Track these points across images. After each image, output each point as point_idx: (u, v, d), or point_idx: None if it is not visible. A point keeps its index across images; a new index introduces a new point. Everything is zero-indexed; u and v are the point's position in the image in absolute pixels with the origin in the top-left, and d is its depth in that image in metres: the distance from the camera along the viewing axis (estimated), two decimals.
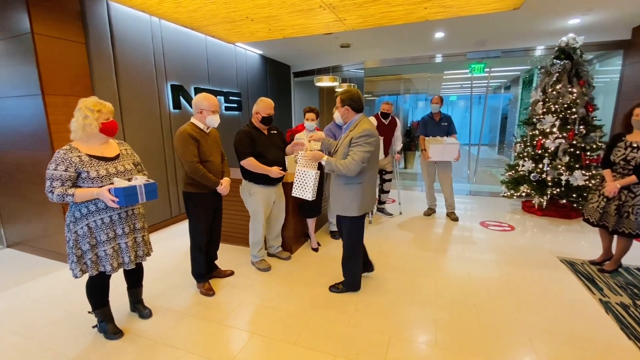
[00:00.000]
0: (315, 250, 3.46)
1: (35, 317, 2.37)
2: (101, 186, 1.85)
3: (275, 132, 2.97)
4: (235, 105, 5.60)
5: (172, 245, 3.64)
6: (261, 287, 2.76)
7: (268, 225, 3.16)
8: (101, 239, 1.91)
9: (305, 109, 3.34)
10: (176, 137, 2.37)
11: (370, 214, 4.38)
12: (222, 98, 5.26)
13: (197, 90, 4.72)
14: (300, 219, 3.54)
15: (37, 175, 3.18)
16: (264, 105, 2.75)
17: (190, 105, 4.64)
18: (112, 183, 1.88)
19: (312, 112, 3.33)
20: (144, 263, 2.22)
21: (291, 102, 7.80)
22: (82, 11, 3.20)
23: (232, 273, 2.98)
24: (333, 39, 5.23)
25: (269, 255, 3.33)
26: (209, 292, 2.63)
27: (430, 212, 4.67)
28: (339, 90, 5.85)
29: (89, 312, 2.16)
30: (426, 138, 4.29)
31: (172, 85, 4.28)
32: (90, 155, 1.86)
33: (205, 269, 2.69)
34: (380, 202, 4.64)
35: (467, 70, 5.95)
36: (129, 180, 1.96)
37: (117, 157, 1.98)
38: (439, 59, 6.11)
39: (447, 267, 3.11)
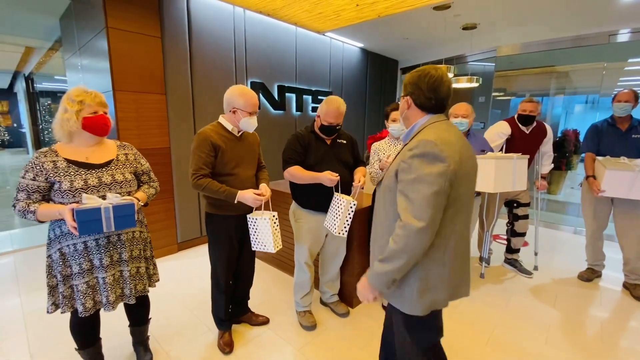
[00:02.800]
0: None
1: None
2: (73, 202, 1.38)
3: (345, 141, 2.11)
4: None
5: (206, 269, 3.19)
6: (295, 355, 1.94)
7: (321, 263, 2.32)
8: (74, 270, 1.44)
9: (389, 108, 2.33)
10: (193, 140, 1.78)
11: (484, 262, 3.00)
12: (309, 98, 4.68)
13: (281, 89, 4.25)
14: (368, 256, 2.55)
15: None
16: (327, 109, 1.93)
17: (273, 105, 4.20)
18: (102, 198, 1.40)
19: (398, 110, 2.29)
20: (152, 294, 1.74)
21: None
22: (160, 4, 3.05)
23: (266, 321, 2.25)
24: (451, 17, 3.95)
25: (322, 303, 2.48)
26: (225, 348, 1.97)
27: (591, 275, 2.92)
28: (456, 85, 4.49)
29: (76, 350, 1.76)
30: (598, 158, 2.62)
31: (252, 83, 3.90)
32: (69, 161, 1.42)
33: (228, 313, 2.05)
34: (512, 250, 3.08)
35: None
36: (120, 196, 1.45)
37: (107, 163, 1.50)
38: (623, 36, 4.01)
39: None
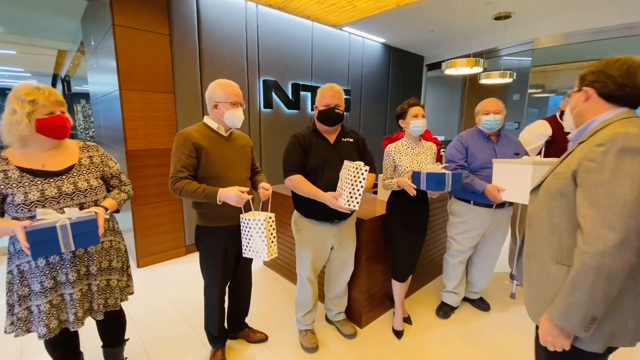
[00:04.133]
0: (398, 334, 2.13)
1: None
2: (29, 217, 1.23)
3: (351, 139, 1.87)
4: None
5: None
6: None
7: (327, 278, 2.10)
8: (34, 288, 1.30)
9: (407, 103, 2.04)
10: (174, 142, 1.61)
11: (515, 280, 2.63)
12: None
13: (296, 87, 4.07)
14: (382, 275, 2.30)
15: None
16: (321, 94, 1.75)
17: (287, 105, 4.02)
18: (63, 212, 1.23)
19: (418, 105, 2.01)
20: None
21: (421, 102, 6.32)
22: (168, 0, 2.96)
23: (265, 338, 2.07)
24: (481, 5, 3.58)
25: (327, 320, 2.26)
26: None
27: None
28: (486, 81, 4.09)
29: None
30: None
31: (264, 81, 3.74)
32: (22, 169, 1.25)
33: (222, 330, 1.88)
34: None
35: None
36: (80, 208, 1.30)
37: (68, 170, 1.33)
38: None
39: None
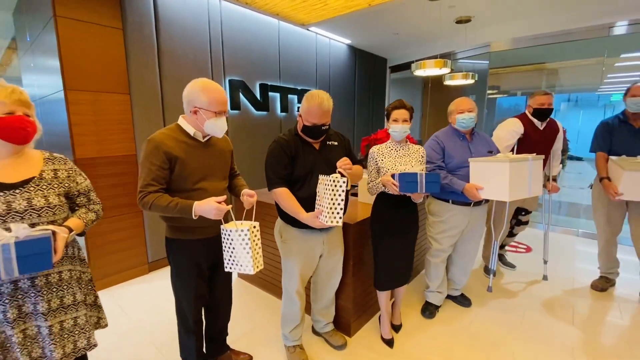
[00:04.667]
0: (389, 343, 2.04)
1: None
2: None
3: (336, 142, 1.77)
4: None
5: None
6: None
7: (314, 288, 1.98)
8: None
9: (391, 105, 1.99)
10: (142, 149, 1.39)
11: (491, 273, 2.70)
12: (295, 97, 4.33)
13: (264, 88, 3.90)
14: (370, 279, 2.23)
15: None
16: (308, 107, 1.57)
17: (255, 106, 3.84)
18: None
19: (402, 108, 1.95)
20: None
21: (385, 104, 6.44)
22: None
23: (249, 359, 1.90)
24: (446, 8, 3.70)
25: (314, 332, 2.13)
26: None
27: (605, 284, 2.68)
28: (450, 82, 4.23)
29: None
30: (612, 158, 2.38)
31: (230, 81, 3.53)
32: None
33: (201, 355, 1.68)
34: (501, 246, 3.13)
35: None
36: (33, 227, 1.06)
37: (24, 183, 1.11)
38: (620, 28, 3.84)
39: None
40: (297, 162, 1.62)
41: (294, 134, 1.68)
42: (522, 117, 2.50)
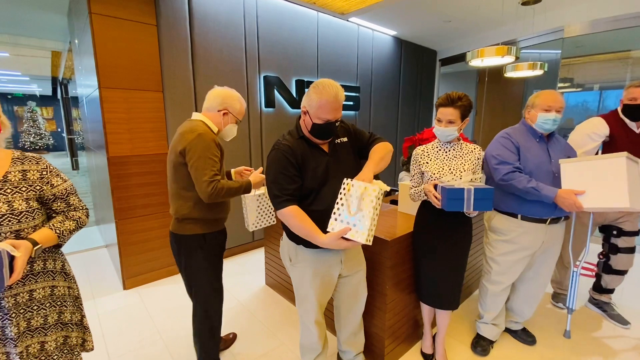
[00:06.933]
0: (427, 358, 1.81)
1: None
2: None
3: (345, 139, 1.46)
4: (352, 103, 4.31)
5: (243, 286, 2.67)
6: None
7: (337, 316, 1.70)
8: None
9: (437, 101, 1.64)
10: (194, 143, 1.45)
11: (569, 312, 2.15)
12: None
13: (300, 84, 3.70)
14: (411, 302, 1.90)
15: None
16: (319, 100, 1.27)
17: (290, 103, 3.65)
18: None
19: (448, 106, 1.59)
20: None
21: (433, 100, 5.91)
22: None
23: None
24: None
25: None
26: None
27: None
28: (513, 74, 3.67)
29: None
30: None
31: (265, 77, 3.37)
32: None
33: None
34: (601, 290, 2.28)
35: None
36: None
37: None
38: None
39: None
40: (307, 171, 1.33)
41: (298, 137, 1.39)
42: (610, 116, 1.97)
